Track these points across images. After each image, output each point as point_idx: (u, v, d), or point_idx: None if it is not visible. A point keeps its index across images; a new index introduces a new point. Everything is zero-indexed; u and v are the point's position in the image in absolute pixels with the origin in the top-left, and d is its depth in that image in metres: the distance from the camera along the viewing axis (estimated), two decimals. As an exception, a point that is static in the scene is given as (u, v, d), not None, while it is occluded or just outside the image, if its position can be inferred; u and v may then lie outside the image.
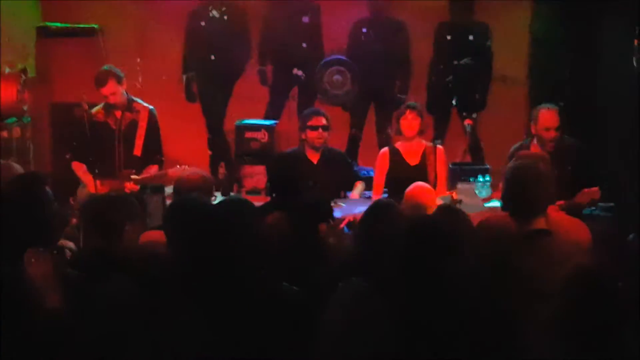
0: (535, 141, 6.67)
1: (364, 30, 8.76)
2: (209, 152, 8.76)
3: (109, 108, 7.14)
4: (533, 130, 6.69)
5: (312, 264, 4.35)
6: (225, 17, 8.66)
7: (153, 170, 7.06)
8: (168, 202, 5.95)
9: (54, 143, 8.68)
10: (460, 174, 7.14)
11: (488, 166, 7.34)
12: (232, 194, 7.44)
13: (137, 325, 3.36)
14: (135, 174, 6.88)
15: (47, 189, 3.70)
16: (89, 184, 6.84)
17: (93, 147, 6.98)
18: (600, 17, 8.18)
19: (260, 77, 8.86)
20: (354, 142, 8.84)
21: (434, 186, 6.61)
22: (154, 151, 7.20)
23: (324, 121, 7.09)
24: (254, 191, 7.53)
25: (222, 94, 8.74)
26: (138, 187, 6.76)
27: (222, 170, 8.16)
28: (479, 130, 8.29)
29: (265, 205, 5.34)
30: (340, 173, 7.19)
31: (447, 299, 3.34)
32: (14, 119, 8.01)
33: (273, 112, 8.73)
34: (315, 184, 6.49)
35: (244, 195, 7.14)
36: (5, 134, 7.83)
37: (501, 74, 8.82)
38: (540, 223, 4.21)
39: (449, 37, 8.71)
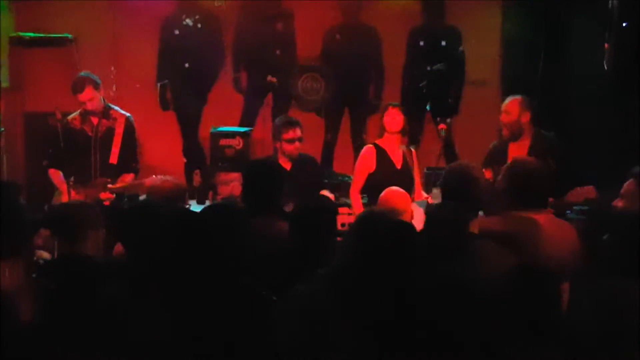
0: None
1: (337, 36, 8.81)
2: (184, 160, 8.76)
3: (85, 115, 7.10)
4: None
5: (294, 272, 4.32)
6: (199, 25, 8.67)
7: (129, 178, 7.03)
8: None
9: (27, 152, 8.65)
10: (435, 178, 7.16)
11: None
12: (210, 201, 7.44)
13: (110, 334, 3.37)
14: (111, 182, 6.86)
15: (20, 198, 3.70)
16: (64, 191, 6.82)
17: (69, 154, 6.97)
18: (571, 18, 8.25)
19: (235, 84, 8.88)
20: (328, 148, 8.87)
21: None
22: (130, 159, 7.17)
23: (299, 133, 7.04)
24: (229, 199, 7.52)
25: (197, 101, 8.74)
26: (114, 195, 6.75)
27: (197, 177, 8.17)
28: (454, 135, 8.35)
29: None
30: (312, 179, 7.17)
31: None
32: (-13, 129, 7.99)
33: (248, 119, 8.74)
34: (289, 190, 6.49)
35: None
36: (-21, 144, 7.81)
37: (474, 78, 8.87)
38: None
39: (421, 43, 8.78)
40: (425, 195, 6.86)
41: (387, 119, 6.97)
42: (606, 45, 7.78)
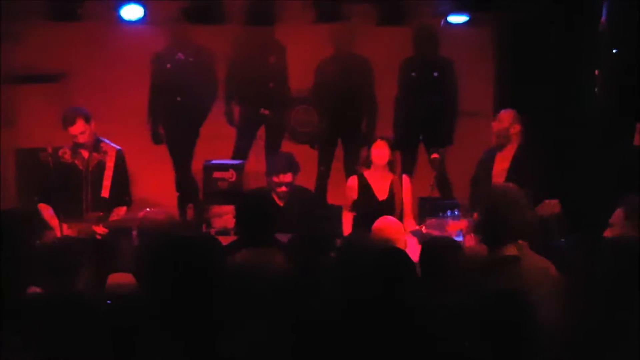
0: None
1: (330, 68, 8.82)
2: (177, 194, 8.73)
3: (76, 148, 7.03)
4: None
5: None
6: (191, 59, 8.68)
7: (121, 212, 6.98)
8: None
9: (19, 189, 8.61)
10: (429, 209, 7.15)
11: (457, 201, 7.35)
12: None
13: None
14: (103, 216, 6.82)
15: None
16: (55, 227, 6.77)
17: (60, 188, 6.91)
18: (562, 46, 8.26)
19: (227, 117, 8.88)
20: (322, 179, 8.85)
21: (401, 217, 6.69)
22: (121, 192, 7.09)
23: (289, 178, 7.05)
24: (223, 231, 7.48)
25: (189, 135, 8.74)
26: (107, 230, 6.70)
27: (190, 211, 8.13)
28: (447, 165, 8.33)
29: (232, 244, 5.32)
30: (306, 210, 7.13)
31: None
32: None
33: (241, 151, 8.74)
34: (282, 223, 6.45)
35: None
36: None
37: (466, 109, 8.89)
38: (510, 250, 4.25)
39: (413, 74, 8.80)
40: (417, 226, 6.84)
41: (374, 151, 7.11)
42: (596, 71, 7.83)
